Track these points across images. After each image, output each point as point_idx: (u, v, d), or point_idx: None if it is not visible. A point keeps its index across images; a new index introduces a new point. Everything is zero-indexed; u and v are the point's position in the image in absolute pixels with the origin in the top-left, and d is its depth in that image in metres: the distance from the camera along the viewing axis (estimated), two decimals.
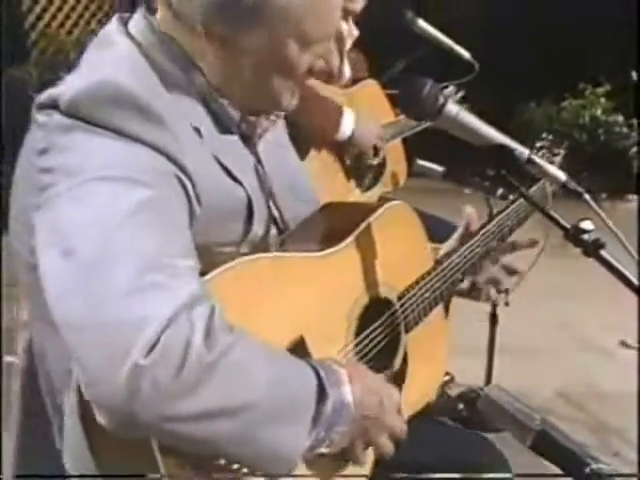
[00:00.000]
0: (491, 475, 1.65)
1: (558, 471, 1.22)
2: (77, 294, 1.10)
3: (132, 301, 1.07)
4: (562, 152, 2.14)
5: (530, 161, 1.48)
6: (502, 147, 1.49)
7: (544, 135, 2.16)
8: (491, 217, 1.84)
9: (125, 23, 1.38)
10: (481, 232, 1.79)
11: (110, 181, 1.15)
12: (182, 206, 1.25)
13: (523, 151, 1.48)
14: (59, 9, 7.32)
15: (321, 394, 1.21)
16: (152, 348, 1.03)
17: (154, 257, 1.12)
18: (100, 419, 1.09)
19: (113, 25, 1.37)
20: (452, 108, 1.48)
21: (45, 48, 7.07)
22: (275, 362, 1.20)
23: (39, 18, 7.18)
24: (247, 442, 1.14)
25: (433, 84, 1.47)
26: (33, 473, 1.48)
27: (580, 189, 1.48)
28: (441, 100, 1.47)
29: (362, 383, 1.30)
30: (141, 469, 1.16)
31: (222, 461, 1.18)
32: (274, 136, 1.56)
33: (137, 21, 1.37)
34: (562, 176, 1.48)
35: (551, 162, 2.05)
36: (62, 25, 7.35)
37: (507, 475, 1.68)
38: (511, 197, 1.89)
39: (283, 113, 1.51)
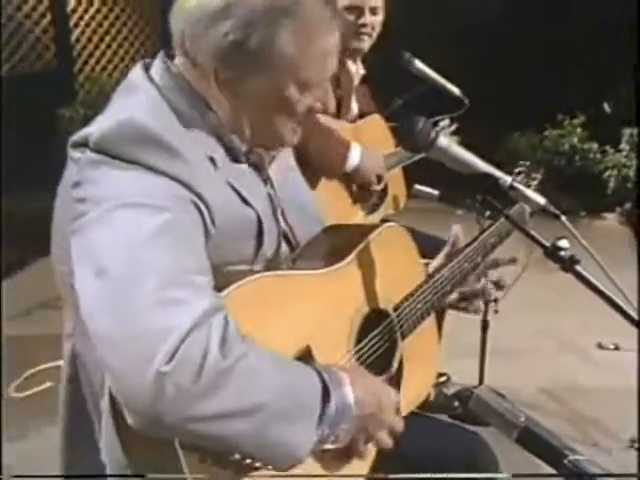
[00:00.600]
0: (483, 475, 1.63)
1: (547, 469, 1.21)
2: (108, 310, 1.11)
3: (155, 314, 1.08)
4: (539, 177, 2.13)
5: (512, 187, 1.47)
6: (487, 175, 1.49)
7: (521, 162, 2.15)
8: (477, 236, 1.84)
9: (147, 68, 1.39)
10: (467, 249, 1.77)
11: (134, 207, 1.17)
12: (198, 228, 1.25)
13: (506, 179, 1.48)
14: (103, 54, 7.38)
15: (325, 396, 1.21)
16: (173, 356, 1.04)
17: (174, 274, 1.13)
18: (129, 420, 1.10)
19: (137, 70, 1.39)
20: (443, 141, 1.49)
21: (90, 90, 7.11)
22: (283, 368, 1.20)
23: (86, 63, 7.23)
24: (260, 439, 1.14)
25: (426, 121, 1.48)
26: (79, 471, 1.45)
27: (557, 212, 1.47)
28: (433, 135, 1.47)
29: (362, 385, 1.29)
30: (165, 464, 1.16)
31: (237, 456, 1.17)
32: (284, 160, 1.57)
33: (157, 66, 1.38)
34: (541, 200, 1.48)
35: (529, 185, 2.06)
36: (104, 68, 7.40)
37: (498, 475, 1.66)
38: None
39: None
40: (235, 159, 1.41)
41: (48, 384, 3.22)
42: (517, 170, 2.10)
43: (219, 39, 1.29)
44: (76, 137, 1.28)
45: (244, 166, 1.44)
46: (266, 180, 1.49)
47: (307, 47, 1.32)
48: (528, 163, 2.16)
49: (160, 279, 1.11)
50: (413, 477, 1.48)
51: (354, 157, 2.63)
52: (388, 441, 1.37)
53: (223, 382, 1.08)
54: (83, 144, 1.25)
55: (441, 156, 1.49)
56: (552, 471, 1.22)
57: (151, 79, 1.36)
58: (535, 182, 2.08)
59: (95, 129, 1.25)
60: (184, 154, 1.26)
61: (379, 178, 2.77)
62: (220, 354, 1.08)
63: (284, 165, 1.56)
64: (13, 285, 4.67)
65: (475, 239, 1.82)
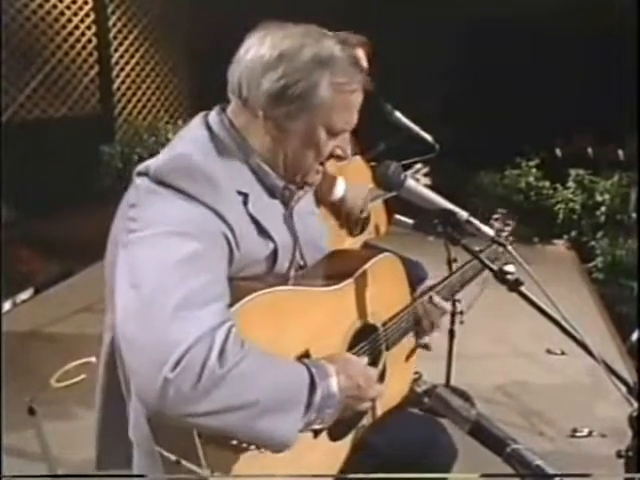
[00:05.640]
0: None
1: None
2: (134, 320, 1.13)
3: (169, 328, 1.10)
4: (512, 223, 2.09)
5: (468, 221, 1.48)
6: (447, 211, 1.50)
7: (499, 210, 2.12)
8: (451, 270, 1.81)
9: (206, 115, 1.42)
10: (448, 280, 1.77)
11: (172, 235, 1.19)
12: (223, 257, 1.27)
13: (463, 214, 1.49)
14: (139, 100, 7.41)
15: (312, 387, 1.22)
16: (177, 365, 1.06)
17: (191, 297, 1.14)
18: (144, 410, 1.15)
19: (197, 118, 1.44)
20: (410, 183, 1.50)
21: (127, 130, 7.15)
22: (274, 368, 1.20)
23: (124, 108, 7.27)
24: (250, 430, 1.15)
25: (397, 166, 1.49)
26: (112, 449, 1.46)
27: (504, 242, 1.48)
28: (402, 177, 1.48)
29: (345, 372, 1.30)
30: (184, 443, 1.18)
31: (235, 442, 1.19)
32: (306, 205, 1.58)
33: (214, 115, 1.42)
34: (490, 232, 1.49)
35: (504, 229, 2.04)
36: (140, 113, 7.43)
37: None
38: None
39: (312, 186, 1.52)
40: (272, 195, 1.43)
41: (83, 376, 3.22)
42: (495, 216, 2.07)
43: (272, 83, 1.32)
44: (140, 167, 1.31)
45: (276, 202, 1.45)
46: (291, 216, 1.50)
47: (339, 97, 1.35)
48: (505, 211, 2.13)
49: (179, 300, 1.12)
50: (409, 477, 1.48)
51: (339, 189, 2.64)
52: (369, 409, 1.43)
53: (217, 386, 1.09)
54: (144, 173, 1.28)
55: (409, 195, 1.51)
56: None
57: (207, 125, 1.40)
58: (509, 227, 2.05)
59: (154, 161, 1.29)
60: (221, 187, 1.29)
61: (365, 204, 2.77)
62: (217, 363, 1.09)
63: (305, 210, 1.57)
64: (61, 291, 4.68)
65: (455, 272, 1.83)
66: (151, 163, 1.29)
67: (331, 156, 1.42)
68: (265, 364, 1.19)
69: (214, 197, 1.26)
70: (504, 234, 2.00)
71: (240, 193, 1.35)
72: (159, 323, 1.10)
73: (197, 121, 1.42)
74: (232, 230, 1.28)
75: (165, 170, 1.26)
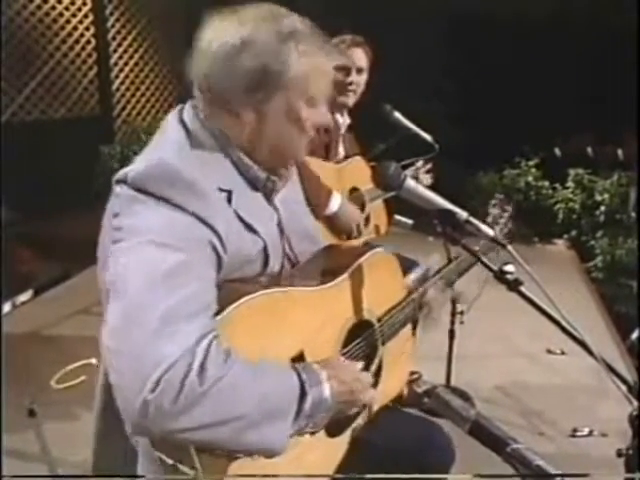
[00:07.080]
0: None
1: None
2: (119, 333, 1.11)
3: (153, 345, 1.08)
4: (510, 209, 2.08)
5: (467, 221, 1.47)
6: (447, 211, 1.49)
7: (497, 195, 2.11)
8: (450, 260, 1.80)
9: (180, 111, 1.39)
10: (444, 270, 1.76)
11: (156, 245, 1.16)
12: (210, 265, 1.23)
13: (462, 214, 1.48)
14: (138, 101, 7.42)
15: (302, 394, 1.20)
16: (157, 384, 1.05)
17: (178, 310, 1.12)
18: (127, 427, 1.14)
19: (172, 114, 1.39)
20: (410, 183, 1.49)
21: (126, 131, 7.16)
22: (261, 377, 1.17)
23: (123, 109, 7.27)
24: (237, 442, 1.14)
25: (396, 166, 1.48)
26: (110, 454, 1.44)
27: (504, 242, 1.47)
28: (402, 177, 1.48)
29: (338, 378, 1.28)
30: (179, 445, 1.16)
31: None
32: (291, 195, 1.54)
33: (188, 110, 1.38)
34: (490, 232, 1.48)
35: (502, 215, 2.04)
36: (139, 114, 7.44)
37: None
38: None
39: (293, 174, 1.49)
40: (255, 187, 1.40)
41: (83, 377, 3.21)
42: (493, 202, 2.05)
43: (244, 69, 1.28)
44: (118, 175, 1.26)
45: (259, 195, 1.41)
46: (276, 208, 1.46)
47: (309, 64, 1.31)
48: (502, 196, 2.11)
49: (164, 314, 1.10)
50: (400, 477, 1.48)
51: (334, 204, 2.61)
52: (360, 411, 1.41)
53: (199, 402, 1.07)
54: (123, 181, 1.24)
55: (409, 194, 1.50)
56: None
57: (182, 121, 1.35)
58: (507, 213, 2.03)
59: (132, 169, 1.25)
60: (203, 190, 1.24)
61: (357, 228, 2.73)
62: (197, 380, 1.07)
63: (290, 199, 1.53)
64: (60, 293, 4.68)
65: (451, 261, 1.80)
66: (129, 170, 1.24)
67: (315, 129, 1.39)
68: (250, 376, 1.16)
69: (196, 203, 1.22)
70: (502, 220, 1.99)
71: (223, 190, 1.31)
72: (142, 339, 1.08)
73: (172, 120, 1.37)
74: (218, 235, 1.24)
75: (144, 178, 1.22)
